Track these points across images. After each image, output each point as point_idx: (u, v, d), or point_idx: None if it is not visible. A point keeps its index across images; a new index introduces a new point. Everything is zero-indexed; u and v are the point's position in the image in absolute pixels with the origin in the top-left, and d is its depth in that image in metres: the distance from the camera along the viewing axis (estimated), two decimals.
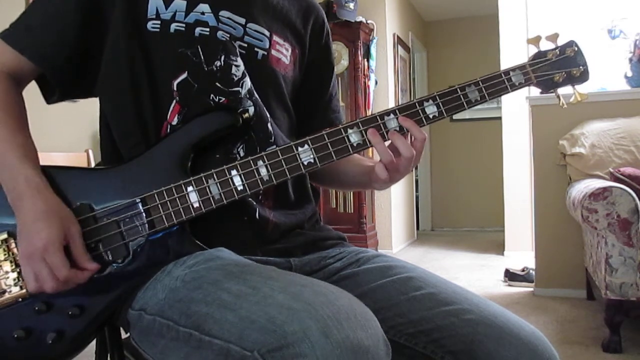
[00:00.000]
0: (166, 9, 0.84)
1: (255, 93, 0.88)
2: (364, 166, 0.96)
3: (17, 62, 0.83)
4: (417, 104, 0.84)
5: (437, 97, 0.84)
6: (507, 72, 0.87)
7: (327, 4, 4.21)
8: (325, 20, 1.06)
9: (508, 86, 0.86)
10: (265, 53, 0.92)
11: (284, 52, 0.95)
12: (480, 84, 0.85)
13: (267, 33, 0.92)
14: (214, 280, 0.69)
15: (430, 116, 0.83)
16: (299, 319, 0.58)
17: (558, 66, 0.88)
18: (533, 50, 0.90)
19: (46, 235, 0.71)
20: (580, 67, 0.88)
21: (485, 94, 0.85)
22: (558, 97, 0.90)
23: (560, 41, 0.89)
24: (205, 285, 0.69)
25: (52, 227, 0.72)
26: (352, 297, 0.65)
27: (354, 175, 0.99)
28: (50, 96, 0.89)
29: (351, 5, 4.27)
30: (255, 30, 0.91)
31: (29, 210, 0.73)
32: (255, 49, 0.91)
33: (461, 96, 0.85)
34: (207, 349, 0.64)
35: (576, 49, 0.88)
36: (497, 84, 0.86)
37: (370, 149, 0.83)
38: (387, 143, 0.82)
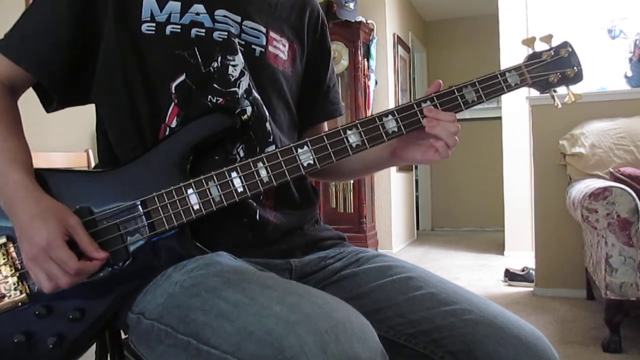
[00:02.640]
0: (161, 11, 0.83)
1: (253, 92, 0.88)
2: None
3: (13, 71, 0.83)
4: (415, 105, 0.84)
5: (435, 98, 0.85)
6: (503, 73, 0.87)
7: (327, 4, 4.21)
8: (321, 12, 1.06)
9: (504, 87, 0.87)
10: (263, 50, 0.91)
11: (281, 48, 0.95)
12: (477, 84, 0.86)
13: (263, 30, 0.92)
14: (212, 287, 0.69)
15: None
16: (296, 333, 0.58)
17: (553, 67, 0.88)
18: (529, 51, 0.90)
19: (46, 233, 0.71)
20: (575, 68, 0.88)
21: (482, 95, 0.86)
22: (553, 97, 0.91)
23: (555, 42, 0.89)
24: (203, 293, 0.68)
25: (49, 224, 0.71)
26: (350, 307, 0.65)
27: (370, 156, 0.96)
28: (49, 104, 0.88)
29: (351, 5, 4.27)
30: (252, 28, 0.90)
31: (23, 213, 0.73)
32: (253, 46, 0.90)
33: (458, 97, 0.85)
34: (205, 358, 0.64)
35: (570, 49, 0.89)
36: (494, 85, 0.86)
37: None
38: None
